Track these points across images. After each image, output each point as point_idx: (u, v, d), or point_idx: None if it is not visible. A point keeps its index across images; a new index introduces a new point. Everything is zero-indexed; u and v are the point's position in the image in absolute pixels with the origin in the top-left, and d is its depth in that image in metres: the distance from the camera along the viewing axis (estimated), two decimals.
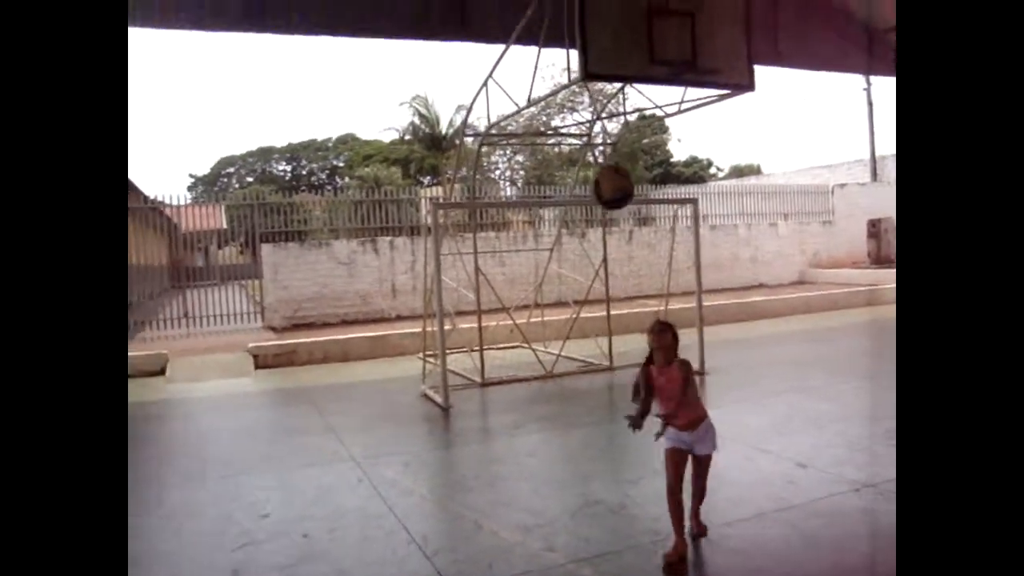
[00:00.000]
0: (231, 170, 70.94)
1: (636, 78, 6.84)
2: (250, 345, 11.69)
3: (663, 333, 4.03)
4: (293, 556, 4.15)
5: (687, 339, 9.19)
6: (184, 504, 5.18)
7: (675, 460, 3.98)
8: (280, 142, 72.75)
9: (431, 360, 8.92)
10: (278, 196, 30.18)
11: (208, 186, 68.34)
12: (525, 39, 7.38)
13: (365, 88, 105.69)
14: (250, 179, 68.36)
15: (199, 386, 10.02)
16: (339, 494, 5.24)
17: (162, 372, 10.90)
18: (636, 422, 3.91)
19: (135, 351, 11.51)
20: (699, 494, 4.12)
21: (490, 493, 5.21)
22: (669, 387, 3.97)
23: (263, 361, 11.30)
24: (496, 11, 10.42)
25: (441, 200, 10.90)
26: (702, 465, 4.07)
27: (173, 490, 5.53)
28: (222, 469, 6.04)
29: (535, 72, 7.35)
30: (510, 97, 7.90)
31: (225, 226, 21.22)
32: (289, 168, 71.45)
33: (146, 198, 17.40)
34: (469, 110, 8.98)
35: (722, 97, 7.49)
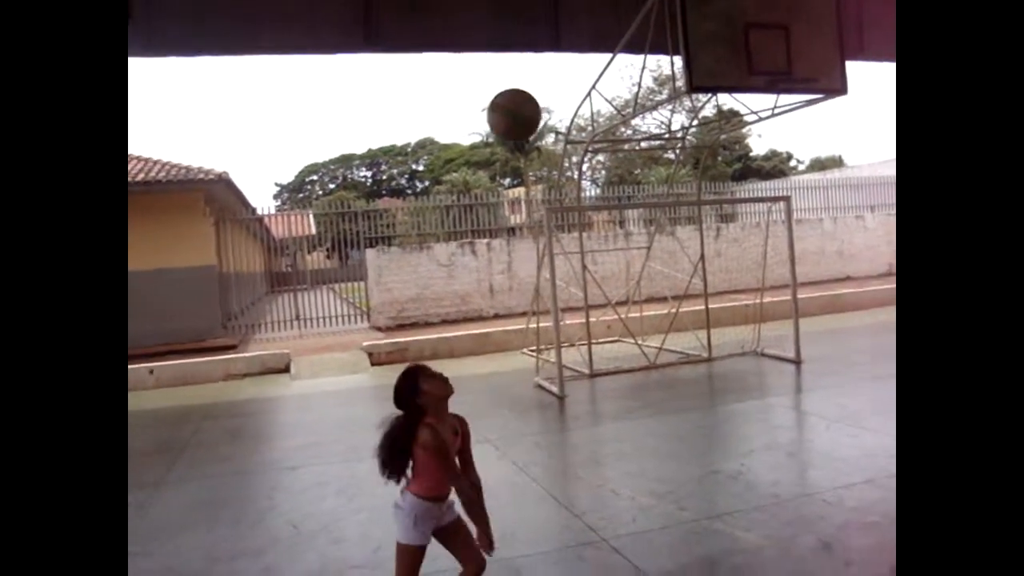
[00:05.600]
0: (314, 177, 73.27)
1: (736, 88, 7.35)
2: (365, 344, 12.59)
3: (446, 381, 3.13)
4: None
5: (783, 330, 9.73)
6: (364, 474, 5.85)
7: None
8: (360, 148, 74.90)
9: (539, 354, 9.58)
10: (361, 202, 31.41)
11: (292, 193, 70.70)
12: (625, 49, 7.89)
13: (441, 92, 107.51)
14: (332, 185, 70.48)
15: (324, 381, 10.92)
16: (485, 469, 5.84)
17: (287, 369, 11.85)
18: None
19: (260, 351, 12.55)
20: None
21: (619, 467, 5.86)
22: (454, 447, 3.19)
23: (377, 358, 12.13)
24: (586, 23, 11.07)
25: (532, 201, 11.46)
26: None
27: (345, 466, 6.28)
28: None
29: (640, 80, 7.93)
30: (614, 106, 8.49)
31: (314, 232, 22.35)
32: (370, 174, 73.45)
33: (253, 209, 18.58)
34: (573, 118, 9.61)
35: (813, 101, 7.95)
